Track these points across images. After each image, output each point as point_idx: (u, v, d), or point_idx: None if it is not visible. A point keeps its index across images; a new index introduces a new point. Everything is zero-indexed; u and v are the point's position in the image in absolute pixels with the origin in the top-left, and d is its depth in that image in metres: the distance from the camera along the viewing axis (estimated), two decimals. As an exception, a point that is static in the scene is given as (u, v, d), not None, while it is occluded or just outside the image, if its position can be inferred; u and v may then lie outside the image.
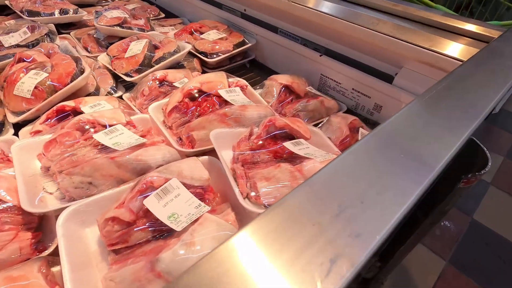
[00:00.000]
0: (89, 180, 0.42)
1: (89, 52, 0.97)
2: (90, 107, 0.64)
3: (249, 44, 0.96)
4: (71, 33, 1.06)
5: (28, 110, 0.65)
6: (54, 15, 1.03)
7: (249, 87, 0.71)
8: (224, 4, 1.10)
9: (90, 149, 0.48)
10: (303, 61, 0.87)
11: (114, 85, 0.79)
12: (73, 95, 0.71)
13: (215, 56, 0.88)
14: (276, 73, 0.98)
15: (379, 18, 0.70)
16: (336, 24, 0.73)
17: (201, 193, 0.42)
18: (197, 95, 0.60)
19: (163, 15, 1.31)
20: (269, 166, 0.47)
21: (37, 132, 0.60)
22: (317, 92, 0.79)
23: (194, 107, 0.58)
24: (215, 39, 0.93)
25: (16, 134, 0.64)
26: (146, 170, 0.46)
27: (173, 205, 0.38)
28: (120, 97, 0.76)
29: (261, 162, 0.49)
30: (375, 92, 0.73)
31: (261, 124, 0.52)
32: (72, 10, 1.09)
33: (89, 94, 0.74)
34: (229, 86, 0.65)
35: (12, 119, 0.65)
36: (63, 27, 1.11)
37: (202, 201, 0.40)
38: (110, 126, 0.52)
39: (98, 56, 0.87)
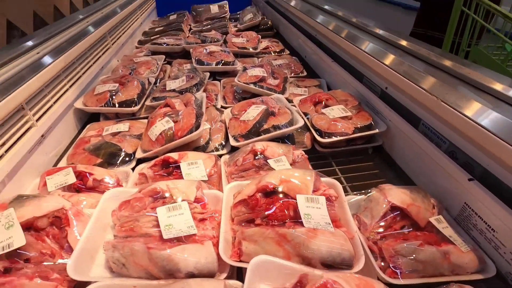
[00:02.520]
0: (123, 262, 0.43)
1: (225, 101, 1.09)
2: (187, 164, 0.69)
3: (375, 131, 0.80)
4: (221, 80, 1.24)
5: (149, 150, 0.78)
6: (212, 65, 1.23)
7: (342, 197, 0.57)
8: (365, 75, 0.98)
9: (150, 220, 0.49)
10: (443, 176, 0.64)
11: (223, 143, 0.84)
12: (186, 145, 0.80)
13: (329, 136, 0.79)
14: (403, 173, 0.77)
15: None
16: None
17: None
18: (272, 193, 0.53)
19: (305, 73, 1.33)
20: None
21: (142, 175, 0.70)
22: (445, 230, 0.54)
23: (263, 207, 0.51)
24: (337, 117, 0.83)
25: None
26: (174, 273, 0.42)
27: None
28: (221, 155, 0.79)
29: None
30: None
31: None
32: (230, 62, 1.27)
33: (198, 146, 0.82)
34: (315, 190, 0.54)
35: (138, 154, 0.79)
36: (220, 74, 1.32)
37: None
38: (178, 201, 0.52)
39: (225, 110, 0.95)
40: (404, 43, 0.83)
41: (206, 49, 1.33)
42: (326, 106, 0.90)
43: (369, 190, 0.61)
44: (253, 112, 0.82)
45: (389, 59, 0.81)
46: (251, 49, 1.50)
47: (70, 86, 0.92)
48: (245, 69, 1.12)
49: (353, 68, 1.04)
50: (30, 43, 0.86)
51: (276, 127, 0.77)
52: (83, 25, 1.13)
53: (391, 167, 0.80)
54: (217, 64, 1.24)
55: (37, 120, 0.74)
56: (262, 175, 0.61)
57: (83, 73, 1.02)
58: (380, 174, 0.78)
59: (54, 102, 0.83)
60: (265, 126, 0.79)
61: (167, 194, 0.53)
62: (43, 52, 0.82)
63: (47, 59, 0.80)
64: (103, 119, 0.98)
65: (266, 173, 0.62)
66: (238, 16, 2.21)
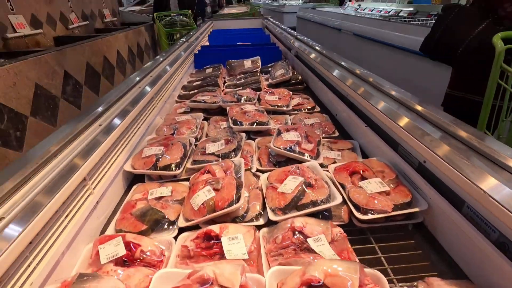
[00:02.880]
0: None
1: (260, 164, 1.13)
2: (228, 240, 0.72)
3: (416, 209, 0.79)
4: (256, 140, 1.30)
5: (191, 220, 0.81)
6: (247, 125, 1.30)
7: (389, 294, 0.55)
8: (401, 144, 0.99)
9: (197, 309, 0.51)
10: (493, 271, 0.61)
11: (261, 212, 0.86)
12: (226, 214, 0.83)
13: (367, 213, 0.78)
14: (448, 256, 0.74)
15: None
16: None
17: None
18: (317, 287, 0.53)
19: (337, 133, 1.36)
20: None
21: (184, 247, 0.73)
22: None
23: (307, 302, 0.52)
24: (375, 191, 0.83)
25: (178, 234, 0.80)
26: None
27: None
28: (260, 226, 0.81)
29: None
30: None
31: None
32: (264, 122, 1.34)
33: (237, 216, 0.84)
34: (360, 286, 0.54)
35: (180, 223, 0.83)
36: (254, 133, 1.38)
37: None
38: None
39: (261, 175, 0.99)
40: (442, 121, 0.84)
41: (241, 108, 1.42)
42: (362, 177, 0.91)
43: (415, 284, 0.59)
44: (290, 184, 0.85)
45: (425, 136, 0.82)
46: (284, 107, 1.57)
47: (122, 150, 1.00)
48: (279, 132, 1.17)
49: (387, 136, 1.05)
50: (99, 109, 0.98)
51: (314, 203, 0.79)
52: (135, 91, 1.26)
53: (435, 248, 0.78)
54: (251, 124, 1.31)
55: (94, 188, 0.81)
56: (304, 261, 0.62)
57: (133, 135, 1.11)
58: (423, 255, 0.75)
59: (109, 168, 0.91)
60: (303, 201, 0.80)
61: (213, 282, 0.55)
62: (104, 124, 0.92)
63: (106, 131, 0.90)
64: (148, 179, 1.05)
65: (308, 257, 0.63)
66: (270, 69, 2.35)
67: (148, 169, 1.00)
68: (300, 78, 2.10)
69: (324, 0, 12.79)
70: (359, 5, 6.45)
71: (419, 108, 0.94)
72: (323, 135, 1.33)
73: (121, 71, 4.61)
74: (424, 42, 1.40)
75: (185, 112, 1.59)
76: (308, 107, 1.64)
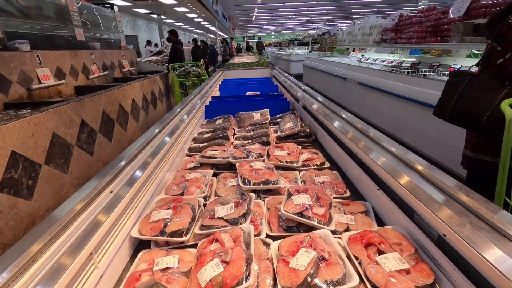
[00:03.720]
0: None
1: (270, 228, 1.10)
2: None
3: (441, 293, 0.73)
4: (265, 200, 1.27)
5: (198, 298, 0.77)
6: (256, 184, 1.29)
7: None
8: (417, 212, 0.95)
9: None
10: None
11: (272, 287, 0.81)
12: (234, 291, 0.78)
13: (387, 295, 0.73)
14: None
15: None
16: None
17: None
18: None
19: (348, 193, 1.33)
20: None
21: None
22: None
23: None
24: (393, 269, 0.78)
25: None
26: None
27: None
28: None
29: None
30: None
31: None
32: (273, 181, 1.33)
33: (246, 293, 0.79)
34: None
35: (186, 299, 0.78)
36: (264, 191, 1.37)
37: None
38: None
39: (272, 244, 0.95)
40: (464, 198, 0.81)
41: (250, 165, 1.43)
42: (379, 250, 0.86)
43: None
44: (303, 259, 0.81)
45: (444, 210, 0.79)
46: (293, 163, 1.57)
47: (130, 216, 0.99)
48: (290, 194, 1.15)
49: (403, 202, 1.02)
50: (110, 174, 0.99)
51: (329, 284, 0.74)
52: (147, 151, 1.29)
53: None
54: (261, 183, 1.30)
55: (99, 261, 0.79)
56: None
57: (142, 198, 1.11)
58: None
59: (116, 236, 0.89)
60: (317, 280, 0.75)
61: None
62: (115, 191, 0.92)
63: (116, 199, 0.90)
64: (155, 245, 1.02)
65: None
66: (278, 121, 2.41)
67: (155, 235, 0.98)
68: (308, 130, 2.14)
69: (329, 50, 13.56)
70: (362, 55, 6.79)
71: (436, 177, 0.92)
72: (334, 195, 1.30)
73: (134, 118, 4.80)
74: (438, 108, 1.42)
75: (194, 168, 1.60)
76: (318, 163, 1.64)
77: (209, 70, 11.03)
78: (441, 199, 0.82)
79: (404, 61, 5.22)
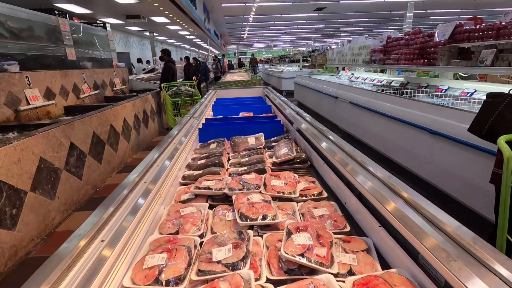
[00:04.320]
0: None
1: (270, 270, 1.05)
2: None
3: None
4: (263, 237, 1.23)
5: None
6: (254, 221, 1.25)
7: None
8: (421, 254, 0.92)
9: None
10: None
11: None
12: None
13: None
14: None
15: None
16: None
17: None
18: None
19: (348, 227, 1.30)
20: None
21: None
22: None
23: None
24: (402, 323, 0.74)
25: None
26: None
27: None
28: None
29: None
30: None
31: None
32: (270, 216, 1.29)
33: None
34: None
35: None
36: (262, 227, 1.32)
37: None
38: None
39: (273, 291, 0.91)
40: (479, 250, 0.79)
41: (247, 199, 1.39)
42: (384, 299, 0.83)
43: None
44: (307, 313, 0.77)
45: (451, 261, 0.76)
46: (291, 194, 1.55)
47: (122, 263, 0.94)
48: (289, 233, 1.12)
49: (406, 242, 1.00)
50: (101, 219, 0.94)
51: None
52: (142, 186, 1.24)
53: None
54: (259, 219, 1.26)
55: (88, 322, 0.73)
56: None
57: (135, 241, 1.05)
58: None
59: (107, 289, 0.83)
60: (324, 339, 0.71)
61: None
62: (107, 240, 0.87)
63: (109, 246, 0.85)
64: (147, 293, 0.96)
65: None
66: (273, 145, 2.39)
67: (149, 284, 0.92)
68: (303, 156, 2.12)
69: (319, 66, 13.87)
70: (352, 74, 6.95)
71: (440, 219, 0.91)
72: (334, 230, 1.27)
73: (125, 138, 4.73)
74: (475, 126, 1.52)
75: (189, 200, 1.55)
76: (315, 193, 1.62)
77: (201, 86, 11.10)
78: (449, 248, 0.80)
79: (393, 80, 5.36)
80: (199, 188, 1.57)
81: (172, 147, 1.84)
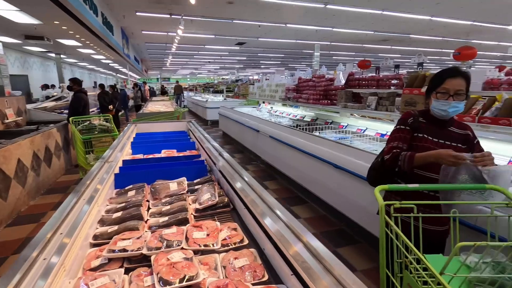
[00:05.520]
0: None
1: None
2: None
3: None
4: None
5: None
6: (175, 284, 1.23)
7: None
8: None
9: None
10: None
11: None
12: None
13: None
14: None
15: None
16: None
17: None
18: None
19: (266, 276, 1.39)
20: None
21: None
22: None
23: None
24: None
25: None
26: None
27: None
28: None
29: None
30: None
31: None
32: (193, 276, 1.29)
33: None
34: None
35: None
36: (181, 287, 1.30)
37: None
38: None
39: None
40: None
41: (167, 259, 1.36)
42: None
43: None
44: None
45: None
46: (213, 245, 1.57)
47: None
48: (210, 295, 1.14)
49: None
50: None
51: None
52: (41, 264, 1.10)
53: None
54: (180, 281, 1.25)
55: None
56: None
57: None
58: None
59: None
60: None
61: None
62: None
63: None
64: None
65: None
66: (196, 188, 2.40)
67: None
68: (226, 200, 2.19)
69: (242, 96, 14.56)
70: (271, 107, 7.56)
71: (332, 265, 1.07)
72: (253, 280, 1.35)
73: (20, 182, 4.01)
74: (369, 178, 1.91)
75: (101, 266, 1.42)
76: (237, 241, 1.68)
77: (120, 114, 10.31)
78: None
79: (306, 115, 6.04)
80: (113, 251, 1.46)
81: (80, 206, 1.67)
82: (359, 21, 10.52)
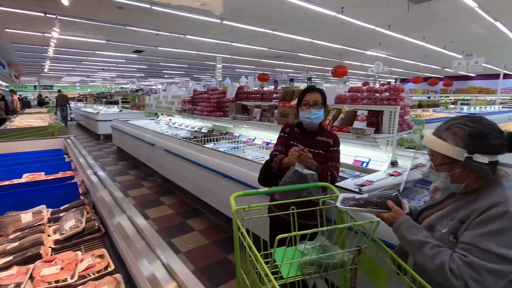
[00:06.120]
0: None
1: None
2: None
3: None
4: None
5: None
6: None
7: None
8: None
9: None
10: None
11: None
12: None
13: None
14: None
15: None
16: None
17: None
18: None
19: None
20: None
21: None
22: None
23: None
24: None
25: None
26: None
27: None
28: None
29: None
30: None
31: None
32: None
33: None
34: None
35: None
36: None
37: None
38: None
39: None
40: None
41: (-2, 307, 1.16)
42: None
43: None
44: None
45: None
46: (67, 281, 1.41)
47: None
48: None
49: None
50: None
51: None
52: None
53: None
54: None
55: None
56: None
57: None
58: None
59: None
60: None
61: None
62: None
63: None
64: None
65: None
66: (60, 216, 2.11)
67: None
68: (96, 224, 2.00)
69: (143, 107, 13.66)
70: (170, 119, 7.35)
71: None
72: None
73: None
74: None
75: None
76: (101, 268, 1.56)
77: (-27, 132, 8.07)
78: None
79: (203, 126, 6.12)
80: None
81: None
82: (254, 38, 11.39)
